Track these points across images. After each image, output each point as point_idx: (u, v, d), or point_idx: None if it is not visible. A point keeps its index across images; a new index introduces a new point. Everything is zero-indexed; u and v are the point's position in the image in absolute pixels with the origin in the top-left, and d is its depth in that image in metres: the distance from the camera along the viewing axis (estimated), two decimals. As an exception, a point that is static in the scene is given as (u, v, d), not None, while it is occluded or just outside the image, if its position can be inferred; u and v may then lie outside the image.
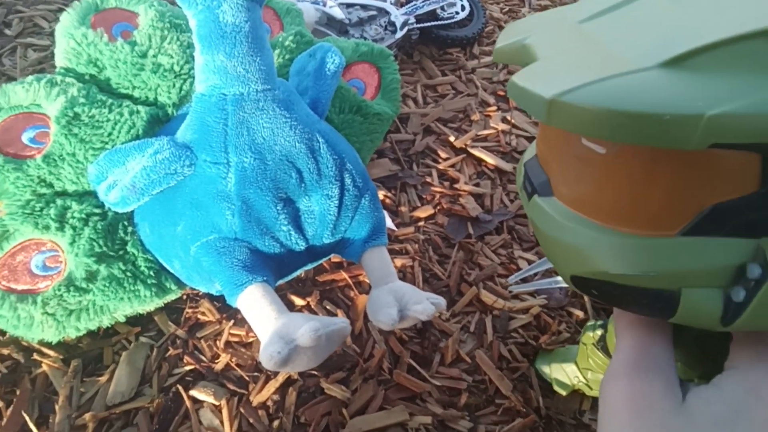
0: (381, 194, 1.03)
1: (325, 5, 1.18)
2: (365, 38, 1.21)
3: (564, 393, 0.78)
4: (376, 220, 0.78)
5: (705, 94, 0.21)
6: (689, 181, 0.25)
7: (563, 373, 0.79)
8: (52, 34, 1.31)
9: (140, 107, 0.80)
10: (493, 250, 0.97)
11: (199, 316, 0.85)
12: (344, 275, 0.91)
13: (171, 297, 0.82)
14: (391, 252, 0.95)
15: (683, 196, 0.25)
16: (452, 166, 1.09)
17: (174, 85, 0.82)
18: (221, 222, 0.69)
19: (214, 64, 0.69)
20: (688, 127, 0.20)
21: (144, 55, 0.82)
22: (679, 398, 0.29)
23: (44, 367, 0.79)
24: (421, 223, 1.00)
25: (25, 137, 0.78)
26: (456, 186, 1.05)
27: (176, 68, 0.82)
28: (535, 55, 0.28)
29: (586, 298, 0.91)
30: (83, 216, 0.76)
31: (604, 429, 0.31)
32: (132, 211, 0.78)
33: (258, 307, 0.64)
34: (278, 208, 0.70)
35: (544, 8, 1.52)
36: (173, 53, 0.82)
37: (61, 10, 1.43)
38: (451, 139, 1.13)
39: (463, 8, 1.36)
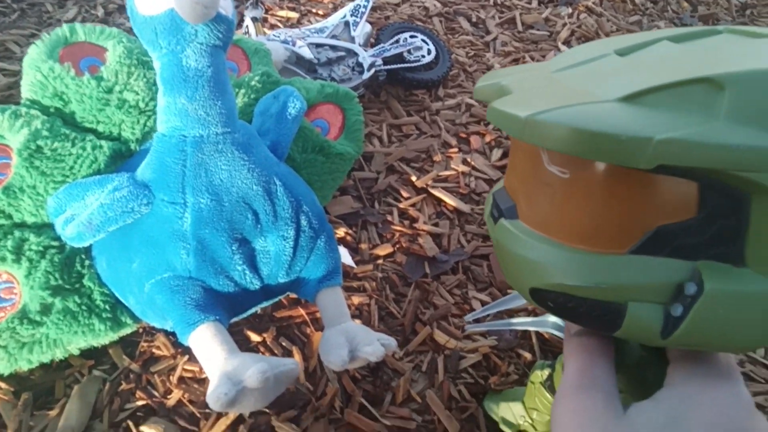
0: (342, 231, 1.05)
1: (294, 45, 1.21)
2: (333, 78, 1.25)
3: (509, 433, 0.80)
4: (331, 260, 0.80)
5: (655, 123, 0.25)
6: (638, 204, 0.28)
7: (510, 413, 0.81)
8: (23, 59, 1.32)
9: (103, 142, 0.81)
10: (448, 290, 1.00)
11: (154, 350, 0.86)
12: (301, 312, 0.92)
13: (126, 331, 0.83)
14: (349, 289, 0.97)
15: (633, 218, 0.29)
16: (413, 205, 1.12)
17: (138, 121, 0.84)
18: (176, 261, 0.70)
19: (175, 106, 0.71)
20: (640, 147, 0.24)
21: (110, 91, 0.83)
22: (620, 411, 0.32)
23: (-8, 400, 0.79)
24: (380, 261, 1.02)
25: (-14, 168, 0.79)
26: (415, 225, 1.08)
27: (141, 105, 0.84)
28: (510, 92, 0.32)
29: (534, 340, 0.94)
30: (40, 248, 0.77)
31: None
32: (90, 245, 0.79)
33: (208, 347, 0.66)
34: (233, 248, 0.72)
35: (508, 54, 1.58)
36: (139, 90, 0.84)
37: (33, 36, 1.43)
38: (413, 178, 1.16)
39: (429, 52, 1.42)
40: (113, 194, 0.70)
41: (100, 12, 1.49)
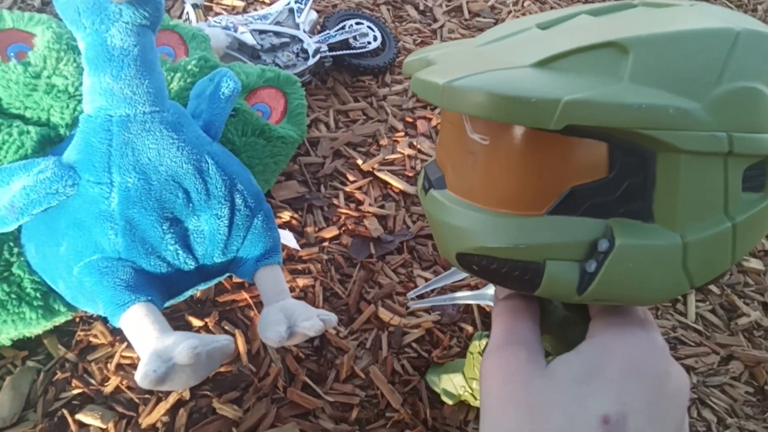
0: (287, 216, 1.05)
1: (236, 31, 1.20)
2: (277, 64, 1.24)
3: (451, 402, 0.82)
4: (269, 239, 0.80)
5: (564, 85, 0.27)
6: (553, 167, 0.30)
7: (451, 384, 0.82)
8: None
9: (31, 127, 0.79)
10: (393, 269, 1.01)
11: (91, 338, 0.84)
12: (245, 295, 0.92)
13: (60, 319, 0.81)
14: (294, 272, 0.97)
15: (549, 181, 0.30)
16: (359, 188, 1.13)
17: (68, 106, 0.82)
18: (104, 242, 0.69)
19: (100, 85, 0.70)
20: (549, 108, 0.26)
21: (37, 76, 0.82)
22: (542, 364, 0.33)
23: None
24: (326, 244, 1.02)
25: None
26: (361, 208, 1.09)
27: (71, 89, 0.82)
28: (435, 63, 0.34)
29: (476, 313, 0.95)
30: (-36, 236, 0.74)
31: (482, 401, 0.35)
32: (19, 232, 0.77)
33: (140, 327, 0.65)
34: (164, 227, 0.71)
35: (455, 40, 1.60)
36: (68, 74, 0.82)
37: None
38: (359, 162, 1.17)
39: (375, 38, 1.42)
40: (37, 176, 0.69)
41: (37, 2, 1.45)
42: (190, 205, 0.73)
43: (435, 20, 1.67)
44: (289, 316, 0.71)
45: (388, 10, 1.66)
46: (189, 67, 0.95)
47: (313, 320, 0.71)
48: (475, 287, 0.97)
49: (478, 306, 0.96)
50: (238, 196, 0.77)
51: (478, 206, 0.33)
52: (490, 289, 0.87)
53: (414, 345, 0.90)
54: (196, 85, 0.90)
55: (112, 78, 0.69)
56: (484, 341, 0.79)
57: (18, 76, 0.81)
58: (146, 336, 0.64)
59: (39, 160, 0.73)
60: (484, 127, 0.32)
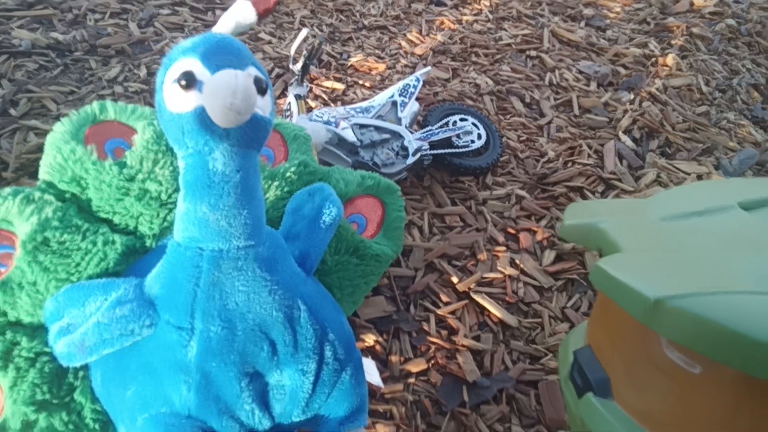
0: (371, 339, 0.94)
1: (337, 126, 1.14)
2: (375, 162, 1.17)
3: None
4: (356, 397, 0.69)
5: None
6: None
7: None
8: (58, 117, 1.29)
9: (116, 236, 0.74)
10: (488, 425, 0.87)
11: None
12: (318, 438, 0.80)
13: (117, 453, 0.73)
14: (375, 414, 0.86)
15: None
16: (452, 312, 1.01)
17: (158, 215, 0.76)
18: (175, 395, 0.60)
19: (195, 215, 0.62)
20: None
21: (131, 179, 0.76)
22: None
23: None
24: (412, 380, 0.90)
25: (-14, 258, 0.71)
26: (454, 338, 0.96)
27: (163, 196, 0.76)
28: (614, 242, 0.28)
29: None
30: (31, 355, 0.68)
31: None
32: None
33: None
34: (243, 384, 0.62)
35: (563, 140, 1.48)
36: (163, 180, 0.77)
37: (72, 93, 1.41)
38: (454, 279, 1.06)
39: (479, 137, 1.33)
40: (113, 311, 0.61)
41: (143, 72, 1.47)
42: (275, 358, 0.64)
43: (542, 115, 1.57)
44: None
45: (492, 100, 1.57)
46: (288, 174, 0.87)
47: None
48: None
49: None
50: (328, 347, 0.67)
51: None
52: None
53: None
54: (293, 197, 0.82)
55: (209, 207, 0.62)
56: None
57: (112, 179, 0.76)
58: None
59: (119, 282, 0.66)
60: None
